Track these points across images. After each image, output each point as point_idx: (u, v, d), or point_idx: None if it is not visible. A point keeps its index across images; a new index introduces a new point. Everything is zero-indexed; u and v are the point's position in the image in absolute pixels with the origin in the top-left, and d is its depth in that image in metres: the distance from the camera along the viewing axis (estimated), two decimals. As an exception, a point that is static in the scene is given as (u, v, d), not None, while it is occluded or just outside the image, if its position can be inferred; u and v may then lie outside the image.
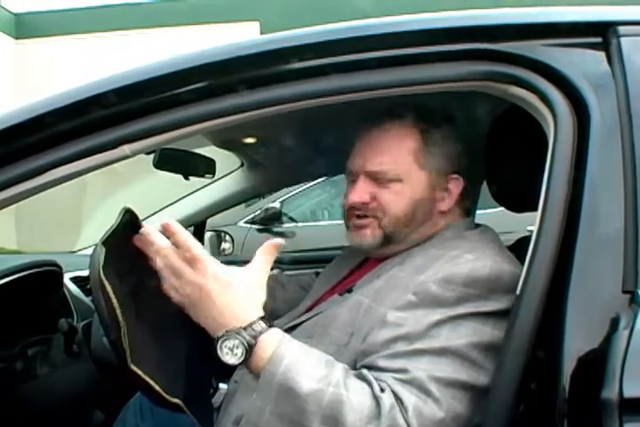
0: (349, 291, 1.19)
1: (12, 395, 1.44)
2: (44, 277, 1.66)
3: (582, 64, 1.00)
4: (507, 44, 1.00)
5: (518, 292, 0.94)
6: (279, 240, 1.02)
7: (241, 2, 10.14)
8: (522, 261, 0.98)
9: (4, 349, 1.47)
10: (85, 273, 1.89)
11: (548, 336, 0.90)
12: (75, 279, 1.98)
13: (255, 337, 0.93)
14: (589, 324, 0.87)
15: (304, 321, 1.23)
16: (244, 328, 0.94)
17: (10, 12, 10.58)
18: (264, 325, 0.95)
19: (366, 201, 1.21)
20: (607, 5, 1.09)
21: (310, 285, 1.54)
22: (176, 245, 0.97)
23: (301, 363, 0.94)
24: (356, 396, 0.92)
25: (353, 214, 1.24)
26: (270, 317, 1.02)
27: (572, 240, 0.91)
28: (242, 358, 0.93)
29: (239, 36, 9.06)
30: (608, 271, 0.89)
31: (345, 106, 1.07)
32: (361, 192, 1.21)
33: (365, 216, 1.22)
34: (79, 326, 1.48)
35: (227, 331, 0.93)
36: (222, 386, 1.59)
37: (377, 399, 0.93)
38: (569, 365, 0.86)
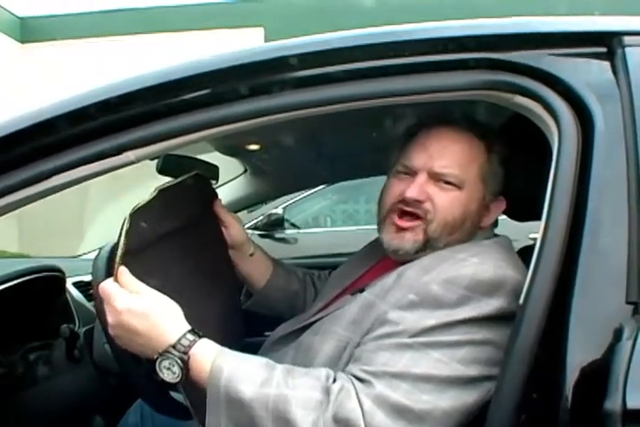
0: (361, 290, 1.19)
1: (13, 400, 1.44)
2: (47, 282, 1.66)
3: (587, 74, 1.00)
4: (511, 53, 1.00)
5: (521, 301, 0.93)
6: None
7: (245, 7, 10.16)
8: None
9: (6, 354, 1.47)
10: (88, 278, 1.89)
11: (550, 346, 0.90)
12: (77, 285, 1.98)
13: (186, 352, 0.97)
14: (592, 334, 0.87)
15: (315, 321, 1.24)
16: (173, 346, 0.97)
17: (15, 15, 10.61)
18: (192, 337, 0.98)
19: (422, 199, 1.17)
20: (612, 15, 1.09)
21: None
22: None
23: (241, 371, 0.96)
24: (302, 392, 0.95)
25: (399, 210, 1.20)
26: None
27: (575, 250, 0.91)
28: (180, 375, 0.96)
29: (244, 41, 9.09)
30: (612, 282, 0.89)
31: (348, 114, 1.07)
32: (420, 189, 1.17)
33: (413, 216, 1.19)
34: (81, 331, 1.48)
35: (159, 353, 0.97)
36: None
37: (326, 389, 0.95)
38: (572, 375, 0.85)
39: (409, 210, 1.18)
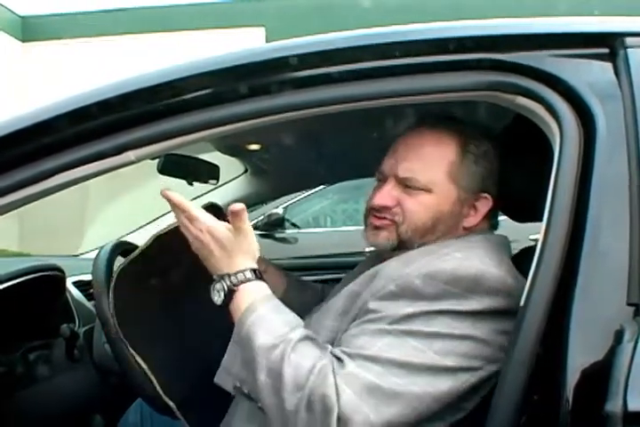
0: None
1: (13, 399, 1.44)
2: (47, 281, 1.65)
3: (589, 75, 1.00)
4: (514, 54, 1.00)
5: (522, 302, 0.93)
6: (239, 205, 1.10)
7: (246, 7, 10.17)
8: (526, 272, 0.98)
9: (6, 353, 1.47)
10: (88, 278, 1.89)
11: (551, 347, 0.89)
12: (77, 284, 1.98)
13: (236, 284, 1.07)
14: (593, 336, 0.87)
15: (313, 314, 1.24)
16: (230, 275, 1.08)
17: (16, 14, 10.62)
18: (251, 275, 1.09)
19: (389, 205, 1.19)
20: (612, 16, 1.09)
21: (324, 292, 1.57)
22: (176, 208, 1.13)
23: (267, 319, 1.04)
24: (299, 357, 0.99)
25: (372, 214, 1.22)
26: None
27: (576, 251, 0.91)
28: (221, 301, 1.08)
29: (245, 41, 9.09)
30: (612, 283, 0.89)
31: (348, 114, 1.07)
32: (386, 196, 1.19)
33: (384, 218, 1.20)
34: (81, 331, 1.48)
35: (218, 275, 1.10)
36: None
37: (315, 361, 0.99)
38: (572, 377, 0.85)
39: (379, 215, 1.21)
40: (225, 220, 1.13)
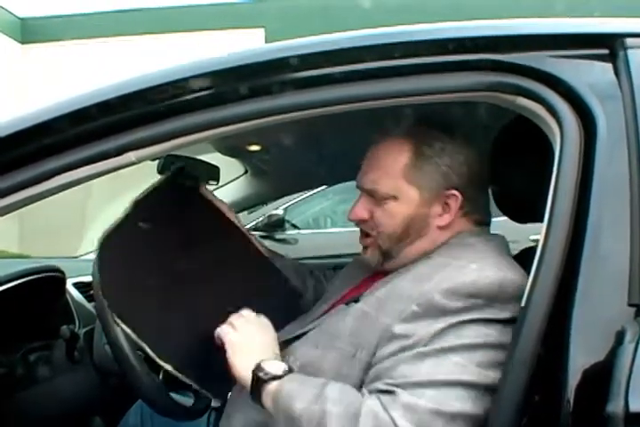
0: (356, 301, 1.19)
1: (13, 400, 1.44)
2: (47, 282, 1.65)
3: (589, 75, 1.00)
4: (514, 55, 1.00)
5: (523, 304, 0.93)
6: None
7: (246, 8, 10.18)
8: (527, 273, 0.98)
9: (6, 354, 1.47)
10: (88, 279, 1.89)
11: (552, 348, 0.89)
12: (77, 285, 1.98)
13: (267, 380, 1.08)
14: (594, 336, 0.87)
15: (310, 329, 1.23)
16: (262, 369, 1.09)
17: (16, 16, 10.62)
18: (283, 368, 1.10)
19: (364, 218, 1.22)
20: (612, 16, 1.09)
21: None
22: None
23: (297, 389, 1.05)
24: (341, 407, 0.99)
25: (361, 230, 1.25)
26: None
27: (577, 252, 0.91)
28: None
29: (245, 42, 9.09)
30: (613, 284, 0.89)
31: (349, 115, 1.07)
32: (357, 209, 1.22)
33: (367, 235, 1.24)
34: (81, 332, 1.48)
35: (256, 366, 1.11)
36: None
37: (359, 404, 0.98)
38: (574, 378, 0.85)
39: (364, 231, 1.24)
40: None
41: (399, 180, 1.18)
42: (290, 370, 1.09)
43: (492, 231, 1.28)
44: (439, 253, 1.18)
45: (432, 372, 0.98)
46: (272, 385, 1.07)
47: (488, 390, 0.98)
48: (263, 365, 1.09)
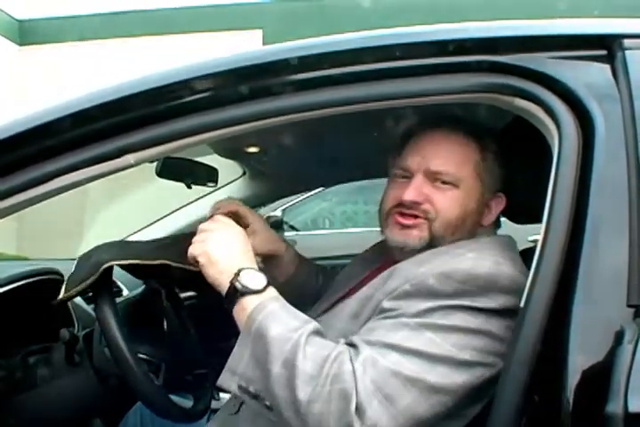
0: None
1: (12, 403, 1.44)
2: (46, 285, 1.65)
3: (587, 77, 1.01)
4: (512, 56, 1.01)
5: (523, 304, 0.93)
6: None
7: (244, 10, 10.17)
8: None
9: (5, 357, 1.47)
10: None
11: (552, 349, 0.90)
12: (76, 287, 1.97)
13: (245, 286, 1.06)
14: (594, 337, 0.87)
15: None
16: (237, 276, 1.07)
17: (14, 18, 10.61)
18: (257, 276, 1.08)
19: (419, 201, 1.18)
20: (613, 18, 1.09)
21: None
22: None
23: (279, 314, 1.03)
24: (314, 348, 0.99)
25: (399, 212, 1.21)
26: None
27: (576, 253, 0.91)
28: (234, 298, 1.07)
29: (242, 44, 9.09)
30: (613, 285, 0.89)
31: (347, 117, 1.07)
32: (418, 191, 1.19)
33: (414, 216, 1.20)
34: (80, 335, 1.48)
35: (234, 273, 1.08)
36: (223, 395, 1.58)
37: (331, 350, 0.99)
38: (573, 378, 0.85)
39: (408, 212, 1.20)
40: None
41: (470, 171, 1.20)
42: (268, 284, 1.07)
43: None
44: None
45: (404, 339, 1.00)
46: (250, 299, 1.05)
47: (457, 369, 0.99)
48: (242, 275, 1.07)
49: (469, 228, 1.21)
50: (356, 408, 0.93)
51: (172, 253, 1.27)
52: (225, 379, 1.04)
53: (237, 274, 1.07)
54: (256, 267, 1.12)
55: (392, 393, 0.95)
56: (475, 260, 1.08)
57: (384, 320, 1.05)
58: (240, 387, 1.02)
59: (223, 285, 1.08)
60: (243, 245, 1.15)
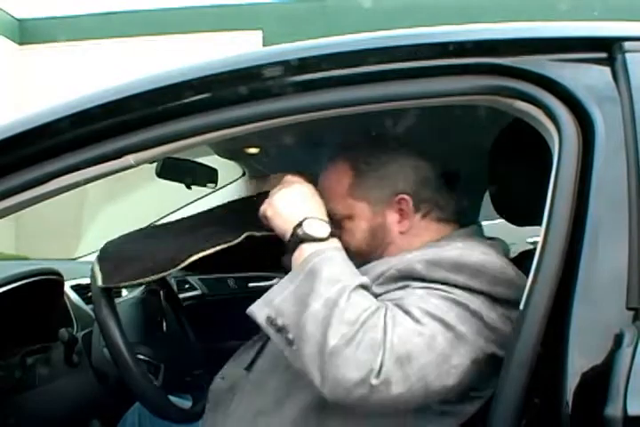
0: None
1: (11, 403, 1.44)
2: (45, 285, 1.65)
3: (587, 79, 1.00)
4: (512, 58, 1.00)
5: (522, 307, 0.93)
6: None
7: (244, 10, 10.17)
8: (525, 276, 0.98)
9: (4, 357, 1.47)
10: (86, 281, 1.89)
11: (551, 351, 0.89)
12: (75, 287, 1.98)
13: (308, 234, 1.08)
14: (593, 340, 0.87)
15: None
16: (301, 224, 1.09)
17: (13, 17, 10.60)
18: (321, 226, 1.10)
19: None
20: (613, 21, 1.09)
21: None
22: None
23: (336, 261, 1.04)
24: (358, 297, 0.99)
25: None
26: None
27: (576, 255, 0.91)
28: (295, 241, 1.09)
29: (242, 44, 9.09)
30: (612, 288, 0.89)
31: (348, 117, 1.07)
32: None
33: None
34: (79, 335, 1.48)
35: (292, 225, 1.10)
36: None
37: (372, 303, 0.99)
38: (572, 380, 0.85)
39: None
40: None
41: (347, 199, 1.22)
42: (332, 235, 1.09)
43: (490, 234, 1.28)
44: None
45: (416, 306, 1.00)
46: (310, 245, 1.06)
47: (459, 341, 0.99)
48: (305, 223, 1.09)
49: (383, 241, 1.22)
50: (381, 363, 0.93)
51: (227, 227, 1.27)
52: (256, 308, 1.04)
53: (301, 222, 1.09)
54: (324, 218, 1.13)
55: (412, 352, 0.95)
56: (463, 249, 1.10)
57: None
58: (268, 318, 1.02)
59: (288, 233, 1.10)
60: (309, 197, 1.17)
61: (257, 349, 1.26)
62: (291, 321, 0.99)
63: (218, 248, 1.20)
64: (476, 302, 1.02)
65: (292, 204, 1.14)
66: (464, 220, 1.29)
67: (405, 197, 1.22)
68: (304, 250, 1.06)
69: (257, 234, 1.23)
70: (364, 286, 1.02)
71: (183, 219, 1.43)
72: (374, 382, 0.92)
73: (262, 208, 1.17)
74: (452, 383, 0.98)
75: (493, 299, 1.03)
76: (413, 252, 1.12)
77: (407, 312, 0.99)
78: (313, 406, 1.10)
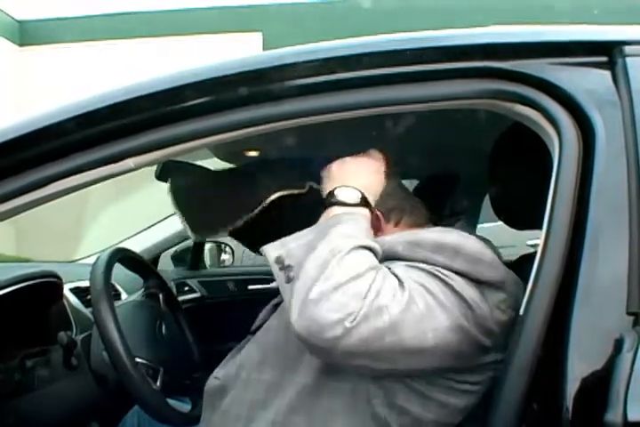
0: None
1: (10, 406, 1.44)
2: (44, 288, 1.65)
3: (588, 83, 1.00)
4: (513, 62, 1.00)
5: (522, 311, 0.93)
6: None
7: (244, 13, 10.18)
8: (525, 279, 0.98)
9: (3, 360, 1.47)
10: (86, 284, 1.88)
11: (551, 356, 0.89)
12: (74, 290, 1.97)
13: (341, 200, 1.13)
14: (593, 345, 0.87)
15: None
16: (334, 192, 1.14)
17: (14, 18, 10.62)
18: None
19: None
20: (613, 25, 1.09)
21: None
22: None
23: (362, 224, 1.09)
24: (363, 254, 1.02)
25: None
26: None
27: (576, 260, 0.91)
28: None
29: (242, 46, 9.10)
30: (612, 292, 0.89)
31: (349, 121, 1.07)
32: None
33: None
34: (78, 338, 1.48)
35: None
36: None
37: (374, 261, 1.02)
38: (572, 386, 0.85)
39: None
40: None
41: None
42: (363, 205, 1.13)
43: (488, 236, 1.28)
44: None
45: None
46: (338, 208, 1.11)
47: (442, 310, 0.99)
48: (340, 189, 1.14)
49: None
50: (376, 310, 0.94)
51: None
52: (271, 247, 1.10)
53: (337, 187, 1.14)
54: (368, 191, 1.15)
55: (391, 307, 0.96)
56: (441, 231, 1.13)
57: None
58: (278, 257, 1.08)
59: (326, 193, 1.16)
60: (366, 174, 1.20)
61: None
62: (296, 262, 1.05)
63: (295, 191, 1.33)
64: (456, 280, 1.03)
65: (343, 172, 1.19)
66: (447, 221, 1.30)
67: (377, 213, 1.23)
68: (332, 211, 1.11)
69: (314, 185, 1.30)
70: (373, 250, 1.04)
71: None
72: (348, 324, 0.93)
73: (328, 166, 1.23)
74: (429, 346, 0.98)
75: (472, 279, 1.04)
76: (393, 235, 1.14)
77: (395, 274, 1.01)
78: (306, 391, 1.12)
